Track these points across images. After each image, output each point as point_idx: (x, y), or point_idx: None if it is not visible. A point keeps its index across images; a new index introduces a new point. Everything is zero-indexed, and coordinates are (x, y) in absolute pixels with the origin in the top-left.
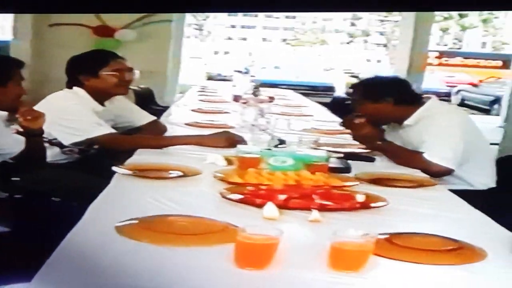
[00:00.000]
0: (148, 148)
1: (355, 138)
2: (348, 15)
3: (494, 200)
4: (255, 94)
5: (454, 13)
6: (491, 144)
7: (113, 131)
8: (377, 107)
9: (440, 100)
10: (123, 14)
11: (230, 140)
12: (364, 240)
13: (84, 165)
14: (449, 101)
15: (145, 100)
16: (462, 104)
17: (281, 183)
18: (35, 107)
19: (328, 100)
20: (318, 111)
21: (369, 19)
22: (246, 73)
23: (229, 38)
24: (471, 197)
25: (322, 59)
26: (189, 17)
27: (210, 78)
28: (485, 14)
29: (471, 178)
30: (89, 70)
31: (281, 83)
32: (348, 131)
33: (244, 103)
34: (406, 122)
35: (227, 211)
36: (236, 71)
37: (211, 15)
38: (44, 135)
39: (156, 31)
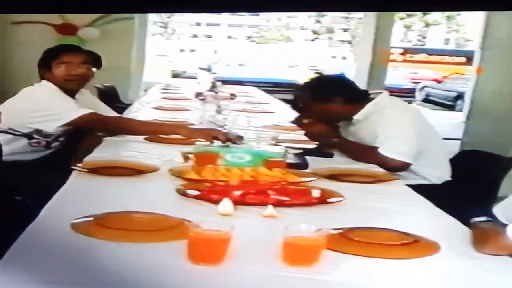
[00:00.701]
0: (132, 134)
1: (308, 137)
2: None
3: (449, 193)
4: (214, 91)
5: None
6: (454, 139)
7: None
8: (327, 107)
9: (404, 96)
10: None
11: (218, 135)
12: (316, 235)
13: (47, 163)
14: (413, 97)
15: (109, 97)
16: (426, 100)
17: (237, 179)
18: (11, 100)
19: (292, 96)
20: (280, 108)
21: (333, 16)
22: (208, 70)
23: (195, 36)
24: (427, 191)
25: (287, 56)
26: (154, 15)
27: (175, 75)
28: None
29: (426, 172)
30: (45, 63)
31: (246, 80)
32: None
33: (202, 99)
34: (355, 117)
35: (184, 207)
36: (200, 68)
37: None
38: (12, 128)
39: (119, 29)
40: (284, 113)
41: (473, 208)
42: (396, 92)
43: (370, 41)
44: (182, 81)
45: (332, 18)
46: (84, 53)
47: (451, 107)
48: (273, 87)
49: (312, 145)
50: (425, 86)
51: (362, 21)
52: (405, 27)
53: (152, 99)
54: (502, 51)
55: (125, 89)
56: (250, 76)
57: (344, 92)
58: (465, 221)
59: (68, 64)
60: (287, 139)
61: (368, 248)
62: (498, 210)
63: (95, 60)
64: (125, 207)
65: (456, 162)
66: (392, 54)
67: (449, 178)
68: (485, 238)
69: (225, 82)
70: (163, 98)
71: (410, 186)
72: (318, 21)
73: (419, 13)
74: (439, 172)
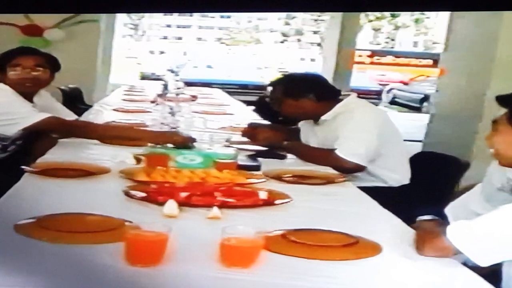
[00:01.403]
0: (90, 137)
1: (255, 143)
2: (282, 14)
3: (405, 196)
4: (175, 93)
5: (387, 13)
6: (416, 141)
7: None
8: (298, 104)
9: (371, 98)
10: (53, 14)
11: (178, 139)
12: (253, 237)
13: (3, 165)
14: (379, 99)
15: (73, 99)
16: (393, 102)
17: (186, 180)
18: None
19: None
20: (240, 110)
21: (303, 19)
22: (173, 72)
23: (165, 38)
24: (384, 193)
25: (257, 58)
26: (123, 17)
27: (144, 77)
28: (417, 14)
29: (385, 175)
30: (0, 66)
31: (213, 82)
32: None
33: (153, 102)
34: (323, 118)
35: (130, 209)
36: (168, 70)
37: (146, 15)
38: None
39: (84, 30)
40: (244, 115)
41: (428, 211)
42: (363, 94)
43: (335, 43)
44: (149, 83)
45: (301, 20)
46: (40, 55)
47: (417, 109)
48: (239, 89)
49: (265, 147)
50: (392, 88)
51: (328, 23)
52: (374, 30)
53: (113, 101)
54: (464, 53)
55: (90, 91)
56: (217, 78)
57: (317, 90)
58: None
59: (22, 67)
60: (242, 141)
61: (309, 250)
62: (448, 210)
63: (52, 62)
64: (72, 209)
65: (412, 164)
66: (360, 56)
67: (407, 182)
68: (423, 240)
69: (192, 84)
70: (125, 100)
71: (367, 188)
72: (288, 23)
73: (388, 16)
74: (398, 176)
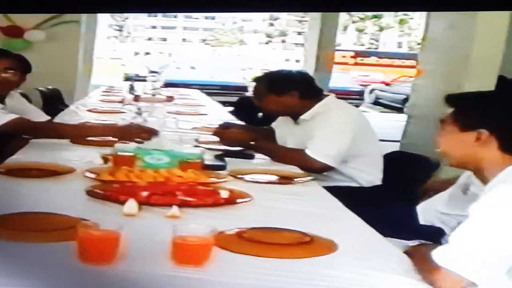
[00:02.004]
0: (57, 137)
1: (223, 143)
2: (266, 15)
3: (377, 196)
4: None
5: (370, 14)
6: (394, 141)
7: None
8: (281, 99)
9: (353, 99)
10: (33, 15)
11: (140, 131)
12: (204, 234)
13: None
14: (361, 99)
15: (53, 100)
16: (376, 102)
17: (150, 180)
18: None
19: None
20: (215, 110)
21: (287, 20)
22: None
23: (150, 39)
24: (355, 193)
25: (241, 59)
26: (108, 18)
27: (128, 78)
28: (401, 15)
29: (357, 175)
30: None
31: (195, 83)
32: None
33: (120, 102)
34: (302, 117)
35: (92, 209)
36: (151, 71)
37: (131, 16)
38: None
39: (65, 31)
40: (218, 116)
41: (398, 210)
42: (345, 94)
43: (314, 44)
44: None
45: (286, 21)
46: (10, 58)
47: (399, 110)
48: (221, 90)
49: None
50: (374, 89)
51: (307, 24)
52: (358, 31)
53: (90, 102)
54: (439, 53)
55: (71, 92)
56: (200, 79)
57: (301, 87)
58: (388, 224)
59: None
60: (211, 140)
61: (263, 248)
62: (418, 211)
63: (23, 64)
64: (34, 208)
65: (384, 164)
66: (344, 57)
67: (379, 183)
68: (417, 267)
69: (173, 85)
70: (102, 100)
71: (339, 188)
72: (272, 24)
73: (372, 17)
74: (371, 177)
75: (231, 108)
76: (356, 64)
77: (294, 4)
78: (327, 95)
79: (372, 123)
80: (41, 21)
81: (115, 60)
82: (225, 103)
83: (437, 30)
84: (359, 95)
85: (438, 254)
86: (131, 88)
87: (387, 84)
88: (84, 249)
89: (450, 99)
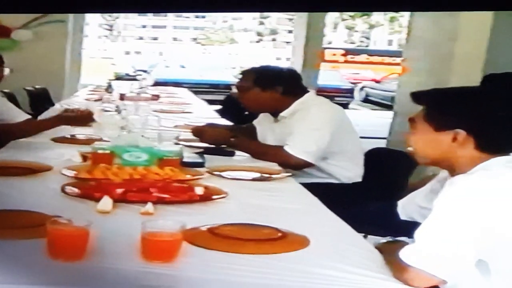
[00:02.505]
0: (24, 136)
1: (203, 141)
2: (257, 14)
3: (357, 192)
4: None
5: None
6: (381, 138)
7: None
8: (265, 94)
9: (343, 96)
10: (20, 15)
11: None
12: (173, 231)
13: None
14: (351, 97)
15: (40, 99)
16: (366, 100)
17: (126, 177)
18: None
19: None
20: (200, 109)
21: (277, 18)
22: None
23: (140, 38)
24: (335, 190)
25: (231, 58)
26: (98, 18)
27: (118, 78)
28: (391, 12)
29: (337, 172)
30: None
31: (184, 82)
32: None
33: (98, 100)
34: (281, 114)
35: (67, 206)
36: (140, 70)
37: (121, 15)
38: None
39: (52, 31)
40: (203, 114)
41: (378, 207)
42: (334, 92)
43: (301, 42)
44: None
45: (276, 20)
46: None
47: (389, 107)
48: (210, 88)
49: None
50: (365, 87)
51: (294, 22)
52: (348, 29)
53: (74, 101)
54: (423, 51)
55: (58, 91)
56: (189, 78)
57: (286, 83)
58: (367, 220)
59: None
60: (192, 138)
61: (234, 244)
62: (399, 207)
63: None
64: (11, 206)
65: (364, 160)
66: (334, 55)
67: (359, 179)
68: (388, 265)
69: (163, 83)
70: (86, 99)
71: (319, 184)
72: (262, 23)
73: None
74: (351, 173)
75: (218, 107)
76: (346, 62)
77: (283, 4)
78: (306, 92)
79: (362, 121)
80: (28, 21)
81: (106, 59)
82: (214, 102)
83: (421, 27)
84: (349, 92)
85: (405, 253)
86: (109, 87)
87: (377, 82)
88: (53, 245)
89: (418, 97)
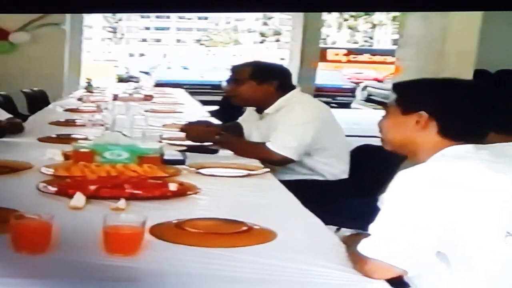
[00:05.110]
0: None
1: (189, 139)
2: (260, 15)
3: (341, 189)
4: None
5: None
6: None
7: None
8: (259, 88)
9: (345, 96)
10: (17, 17)
11: None
12: (135, 225)
13: None
14: (353, 96)
15: (38, 101)
16: (369, 99)
17: (103, 174)
18: None
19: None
20: (191, 109)
21: (280, 19)
22: (146, 73)
23: (144, 40)
24: (320, 186)
25: (236, 59)
26: (102, 20)
27: (121, 80)
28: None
29: (322, 168)
30: None
31: (185, 83)
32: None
33: (79, 99)
34: (266, 111)
35: (43, 203)
36: (141, 72)
37: (124, 17)
38: None
39: (50, 33)
40: (194, 114)
41: (361, 203)
42: (336, 92)
43: (299, 41)
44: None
45: (279, 20)
46: None
47: None
48: (211, 89)
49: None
50: (367, 86)
51: (291, 22)
52: (350, 28)
53: (71, 102)
54: (414, 49)
55: (57, 93)
56: (190, 79)
57: (281, 79)
58: (347, 215)
59: None
60: (177, 137)
61: (200, 238)
62: (379, 202)
63: None
64: None
65: (351, 157)
66: (337, 55)
67: (345, 176)
68: (350, 257)
69: (164, 85)
70: (79, 99)
71: (304, 181)
72: (266, 23)
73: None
74: (336, 170)
75: (216, 107)
76: (349, 61)
77: (283, 4)
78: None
79: (364, 119)
80: (26, 23)
81: (110, 62)
82: (213, 102)
83: (412, 26)
84: (351, 92)
85: (362, 246)
86: (89, 85)
87: (380, 81)
88: (16, 239)
89: (395, 87)
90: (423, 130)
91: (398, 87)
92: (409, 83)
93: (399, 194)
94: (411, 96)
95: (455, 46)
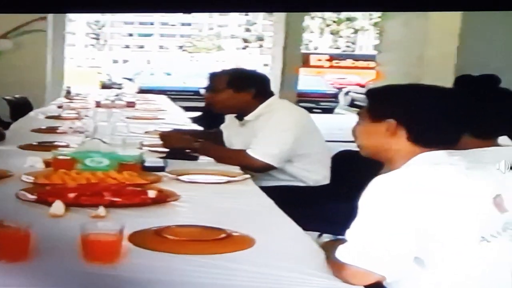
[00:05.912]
0: None
1: (166, 147)
2: (243, 20)
3: (322, 195)
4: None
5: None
6: None
7: None
8: (237, 96)
9: (327, 101)
10: None
11: None
12: (112, 232)
13: None
14: (336, 102)
15: (21, 109)
16: (352, 104)
17: (83, 182)
18: None
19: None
20: (173, 115)
21: (263, 25)
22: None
23: (127, 46)
24: (301, 193)
25: (219, 65)
26: (85, 27)
27: (104, 86)
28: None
29: (303, 175)
30: None
31: (167, 89)
32: None
33: (59, 107)
34: (246, 118)
35: (22, 211)
36: (124, 78)
37: (107, 24)
38: None
39: (32, 40)
40: (176, 120)
41: (342, 208)
42: (319, 97)
43: (280, 46)
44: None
45: (262, 26)
46: None
47: None
48: (193, 95)
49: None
50: (350, 91)
51: (273, 27)
52: (332, 34)
53: (52, 109)
54: (394, 54)
55: (40, 100)
56: (173, 85)
57: (259, 86)
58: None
59: None
60: (157, 143)
61: (178, 245)
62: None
63: None
64: None
65: (332, 163)
66: (320, 60)
67: (327, 182)
68: (328, 263)
69: (147, 91)
70: (58, 107)
71: (285, 187)
72: (248, 29)
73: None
74: (317, 176)
75: (199, 113)
76: (331, 67)
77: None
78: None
79: (347, 125)
80: (8, 31)
81: (93, 68)
82: (195, 108)
83: (391, 30)
84: (334, 97)
85: (340, 252)
86: (68, 93)
87: (362, 86)
88: None
89: (368, 93)
90: (394, 138)
91: (369, 94)
92: (380, 89)
93: (374, 200)
94: (380, 103)
95: (435, 50)
